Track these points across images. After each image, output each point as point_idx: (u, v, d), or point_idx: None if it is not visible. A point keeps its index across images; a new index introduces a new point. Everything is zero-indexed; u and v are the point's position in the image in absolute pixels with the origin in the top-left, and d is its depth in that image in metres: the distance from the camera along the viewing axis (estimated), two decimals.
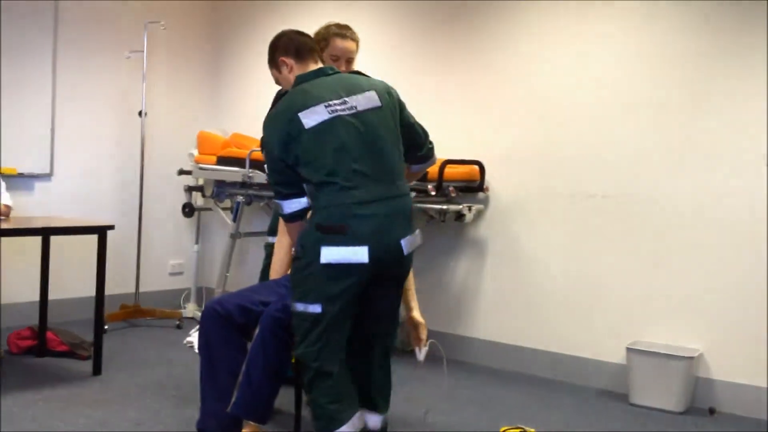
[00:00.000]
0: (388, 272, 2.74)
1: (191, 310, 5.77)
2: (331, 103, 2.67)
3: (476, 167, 4.70)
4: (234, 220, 5.36)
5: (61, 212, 5.18)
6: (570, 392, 4.25)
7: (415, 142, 2.93)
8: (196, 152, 5.65)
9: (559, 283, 4.51)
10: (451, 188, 4.51)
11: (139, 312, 5.46)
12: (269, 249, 3.55)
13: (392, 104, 2.80)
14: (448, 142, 4.40)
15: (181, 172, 5.73)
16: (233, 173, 5.21)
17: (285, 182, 2.72)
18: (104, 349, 4.22)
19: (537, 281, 4.60)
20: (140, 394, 3.83)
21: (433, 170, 4.28)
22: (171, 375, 4.20)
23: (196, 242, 6.02)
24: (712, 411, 3.97)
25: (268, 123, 2.76)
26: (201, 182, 5.76)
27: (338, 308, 2.65)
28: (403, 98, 2.89)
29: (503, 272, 4.73)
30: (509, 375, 4.56)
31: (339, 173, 2.61)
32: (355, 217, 2.60)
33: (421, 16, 5.10)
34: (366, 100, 2.72)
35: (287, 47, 2.86)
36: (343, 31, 3.40)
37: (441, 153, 3.26)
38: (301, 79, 2.79)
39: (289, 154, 2.66)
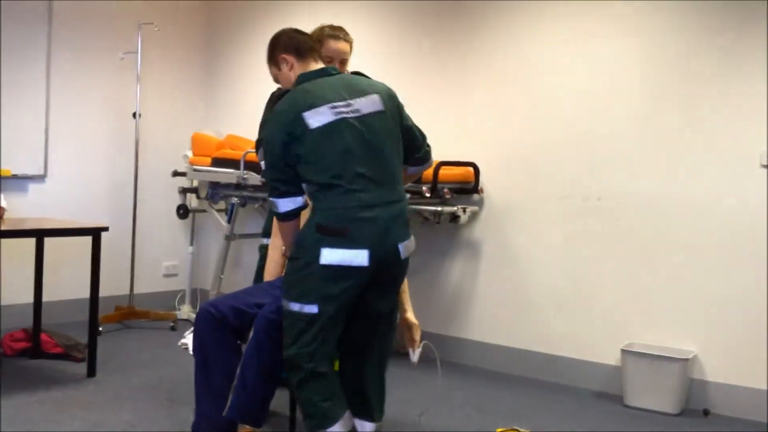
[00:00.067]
0: (386, 275, 2.74)
1: (186, 311, 5.76)
2: (336, 105, 2.66)
3: (471, 169, 4.71)
4: (228, 221, 5.35)
5: (56, 214, 5.16)
6: (565, 394, 4.25)
7: (412, 144, 2.93)
8: (190, 154, 5.64)
9: (554, 285, 4.51)
10: (445, 190, 4.51)
11: (133, 314, 5.45)
12: (264, 251, 3.55)
13: (393, 108, 2.80)
14: (443, 144, 4.40)
15: (176, 174, 5.71)
16: (228, 175, 5.20)
17: (283, 180, 2.71)
18: (99, 351, 4.22)
19: (532, 283, 4.60)
20: (135, 396, 3.83)
21: (427, 172, 4.26)
22: (165, 377, 4.19)
23: (191, 244, 6.01)
24: (706, 412, 3.97)
25: (270, 121, 2.75)
26: (195, 184, 5.75)
27: (335, 309, 2.65)
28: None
29: (498, 274, 4.73)
30: (504, 376, 4.55)
31: (344, 176, 2.61)
32: (357, 220, 2.60)
33: (415, 17, 5.09)
34: (370, 104, 2.72)
35: (288, 45, 2.85)
36: (336, 32, 3.40)
37: (436, 155, 3.26)
38: (303, 78, 2.78)
39: (290, 153, 2.65)
